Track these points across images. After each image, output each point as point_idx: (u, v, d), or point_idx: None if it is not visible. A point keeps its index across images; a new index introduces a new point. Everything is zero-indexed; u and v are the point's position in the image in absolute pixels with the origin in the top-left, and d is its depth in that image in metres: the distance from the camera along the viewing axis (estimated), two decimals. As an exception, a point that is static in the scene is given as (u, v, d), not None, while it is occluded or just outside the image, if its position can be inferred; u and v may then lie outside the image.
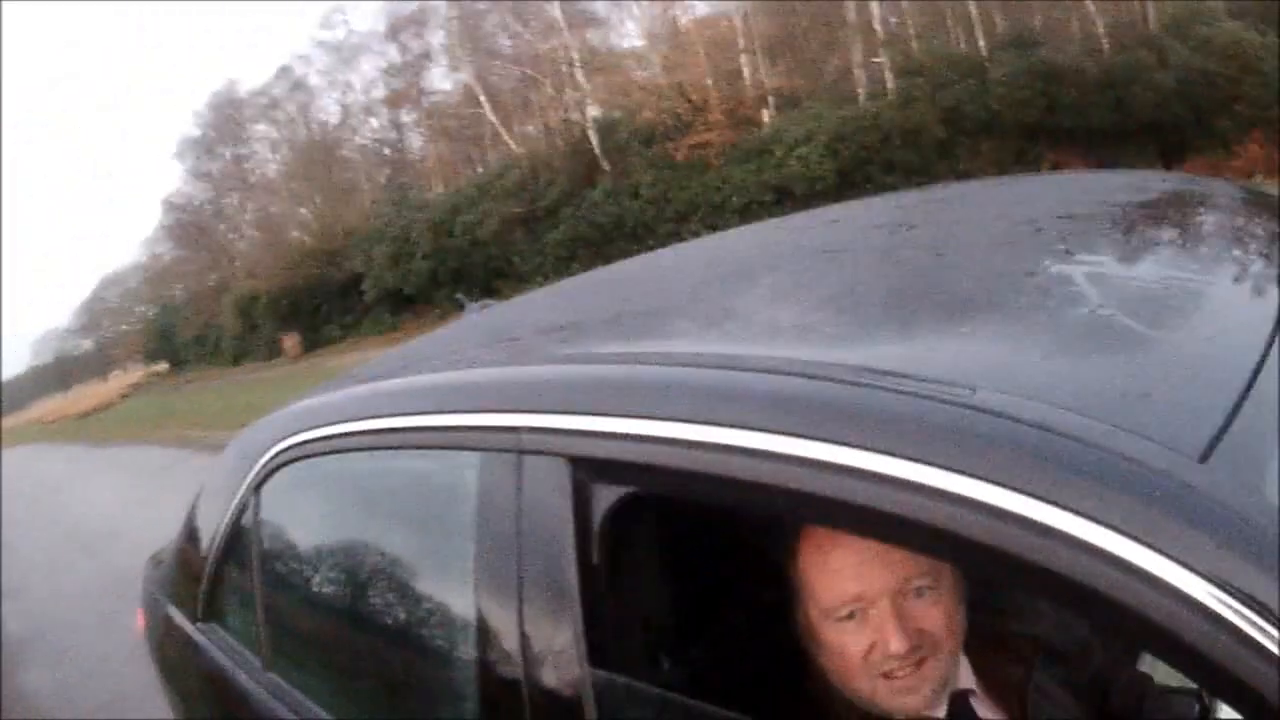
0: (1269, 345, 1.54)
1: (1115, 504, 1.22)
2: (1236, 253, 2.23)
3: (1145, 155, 42.67)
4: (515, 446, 1.87)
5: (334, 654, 2.68)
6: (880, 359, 1.60)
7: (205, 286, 69.60)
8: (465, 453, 2.02)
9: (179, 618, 3.20)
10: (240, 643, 2.86)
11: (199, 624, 3.06)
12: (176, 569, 3.34)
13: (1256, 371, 1.45)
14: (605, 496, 1.74)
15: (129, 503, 17.46)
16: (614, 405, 1.75)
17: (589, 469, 1.76)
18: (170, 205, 71.79)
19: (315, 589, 2.74)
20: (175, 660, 3.29)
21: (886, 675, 1.75)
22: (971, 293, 2.00)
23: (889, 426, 1.40)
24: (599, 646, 1.74)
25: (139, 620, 3.69)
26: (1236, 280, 2.00)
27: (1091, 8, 47.68)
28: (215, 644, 2.96)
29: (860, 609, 1.75)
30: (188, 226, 70.92)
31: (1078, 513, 1.23)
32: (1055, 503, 1.25)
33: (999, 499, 1.28)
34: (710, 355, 1.80)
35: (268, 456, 2.70)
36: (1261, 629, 1.11)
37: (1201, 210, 2.64)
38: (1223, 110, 44.20)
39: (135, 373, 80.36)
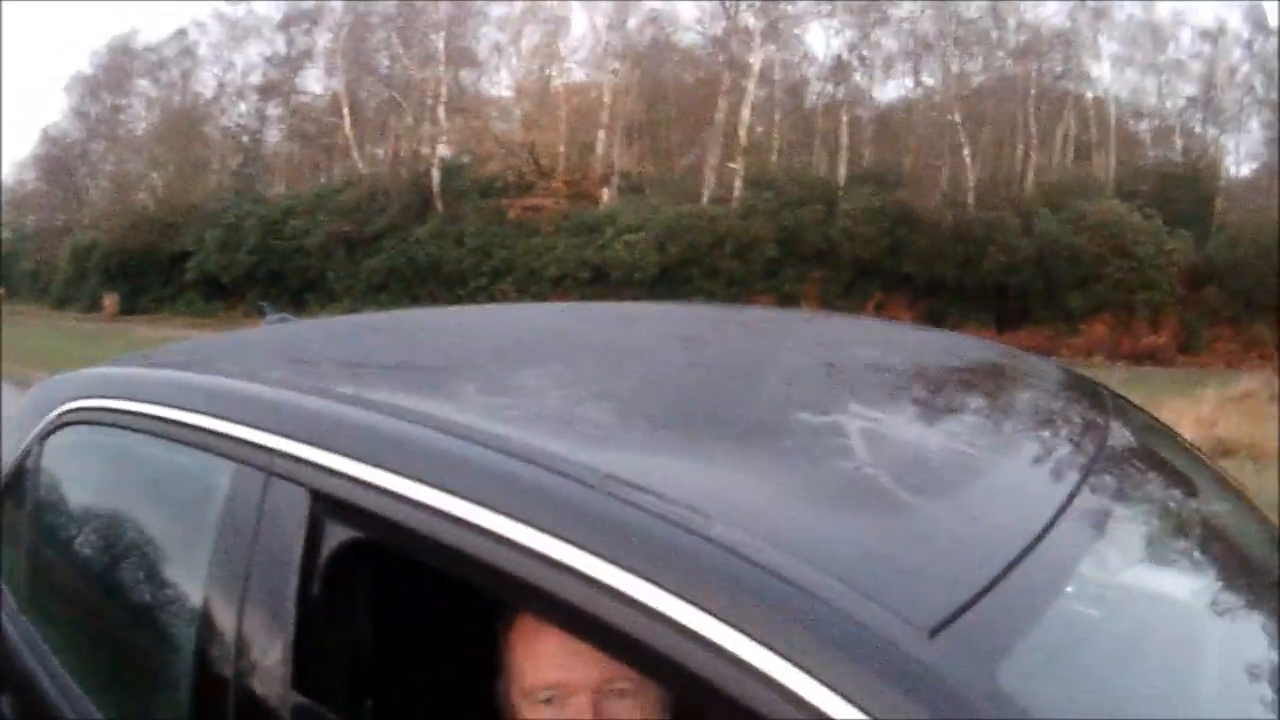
0: (1045, 529, 1.54)
1: (830, 661, 1.20)
2: (1037, 436, 2.18)
3: (982, 317, 43.07)
4: (266, 466, 1.88)
5: (79, 616, 2.66)
6: (627, 467, 1.58)
7: (53, 224, 68.57)
8: (222, 460, 2.02)
9: None
10: (4, 580, 2.84)
11: None
12: None
13: (1020, 556, 1.43)
14: (337, 535, 1.75)
15: None
16: (363, 450, 1.74)
17: (328, 505, 1.76)
18: (46, 136, 70.69)
19: (72, 549, 2.74)
20: None
21: None
22: (743, 423, 1.99)
23: (617, 536, 1.40)
24: (306, 673, 1.74)
25: None
26: (1028, 462, 1.97)
27: (968, 161, 47.83)
28: None
29: (558, 697, 1.74)
30: (55, 160, 69.74)
31: (790, 660, 1.21)
32: (768, 646, 1.23)
33: (712, 630, 1.27)
34: (464, 425, 1.77)
35: (57, 412, 2.70)
36: None
37: (1011, 385, 2.64)
38: (1078, 286, 44.44)
39: (-27, 294, 78.71)
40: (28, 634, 2.64)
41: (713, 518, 1.40)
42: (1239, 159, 57.09)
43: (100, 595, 2.56)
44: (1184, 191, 49.55)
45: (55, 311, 58.33)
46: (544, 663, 1.75)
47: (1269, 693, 1.77)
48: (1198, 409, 19.64)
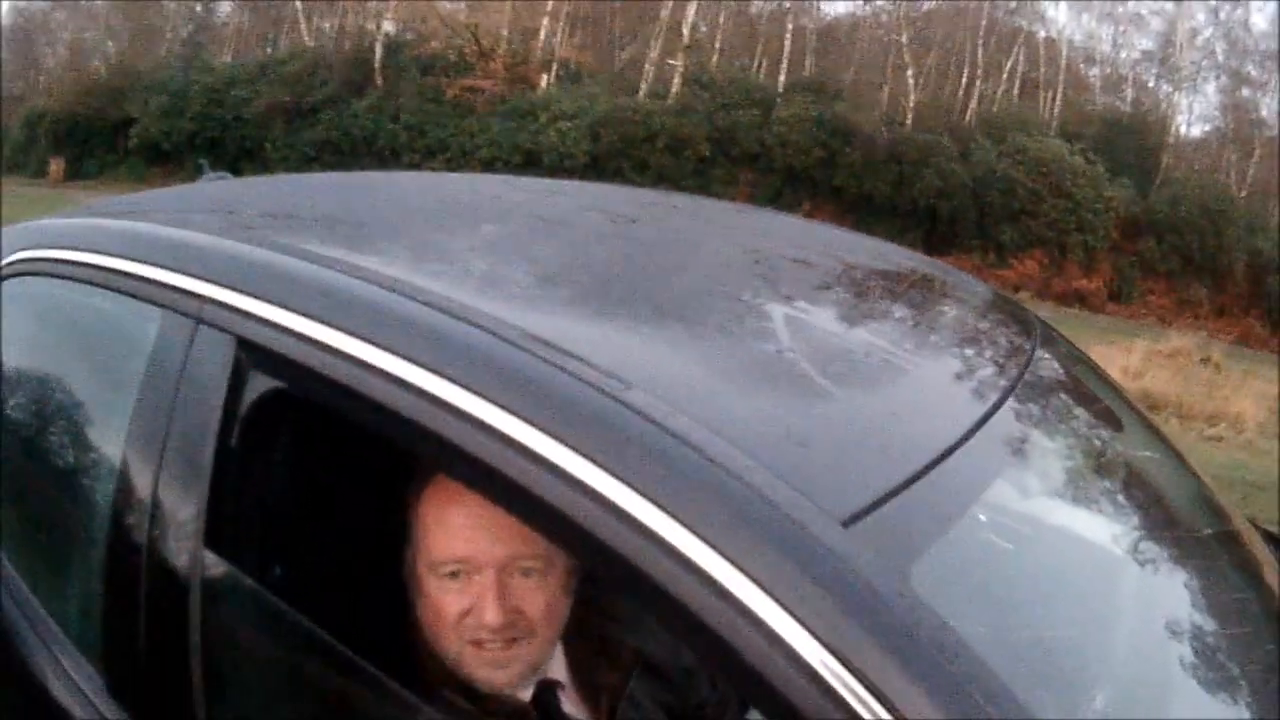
0: (963, 439, 1.53)
1: (739, 539, 1.19)
2: (963, 349, 2.17)
3: (909, 239, 41.50)
4: (196, 314, 1.85)
5: (3, 470, 2.57)
6: (551, 330, 1.57)
7: (11, 93, 68.20)
8: (153, 307, 1.98)
9: None
10: None
11: None
12: None
13: (937, 461, 1.43)
14: (260, 385, 1.73)
15: None
16: (289, 298, 1.72)
17: (253, 353, 1.73)
18: (14, 7, 70.31)
19: (3, 402, 2.63)
20: None
21: (475, 644, 1.73)
22: (668, 298, 1.99)
23: (535, 397, 1.39)
24: (218, 530, 1.72)
25: None
26: (953, 375, 1.98)
27: (910, 81, 48.16)
28: None
29: (464, 571, 1.72)
30: (18, 31, 69.25)
31: (700, 536, 1.20)
32: (679, 519, 1.22)
33: (623, 499, 1.26)
34: (393, 278, 1.75)
35: (1, 264, 2.63)
36: (863, 703, 1.10)
37: (938, 296, 2.58)
38: (1011, 220, 44.79)
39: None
40: None
41: (632, 385, 1.40)
42: (1190, 119, 57.63)
43: (25, 450, 2.51)
44: (1129, 142, 49.95)
45: (5, 177, 58.20)
46: (452, 536, 1.74)
47: (1167, 631, 1.79)
48: (1126, 359, 19.70)
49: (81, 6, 65.60)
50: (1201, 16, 56.48)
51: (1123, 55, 59.35)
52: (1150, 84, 58.72)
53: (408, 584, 1.83)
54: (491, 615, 1.70)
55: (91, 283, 2.27)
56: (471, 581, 1.73)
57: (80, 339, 2.52)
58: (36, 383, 2.58)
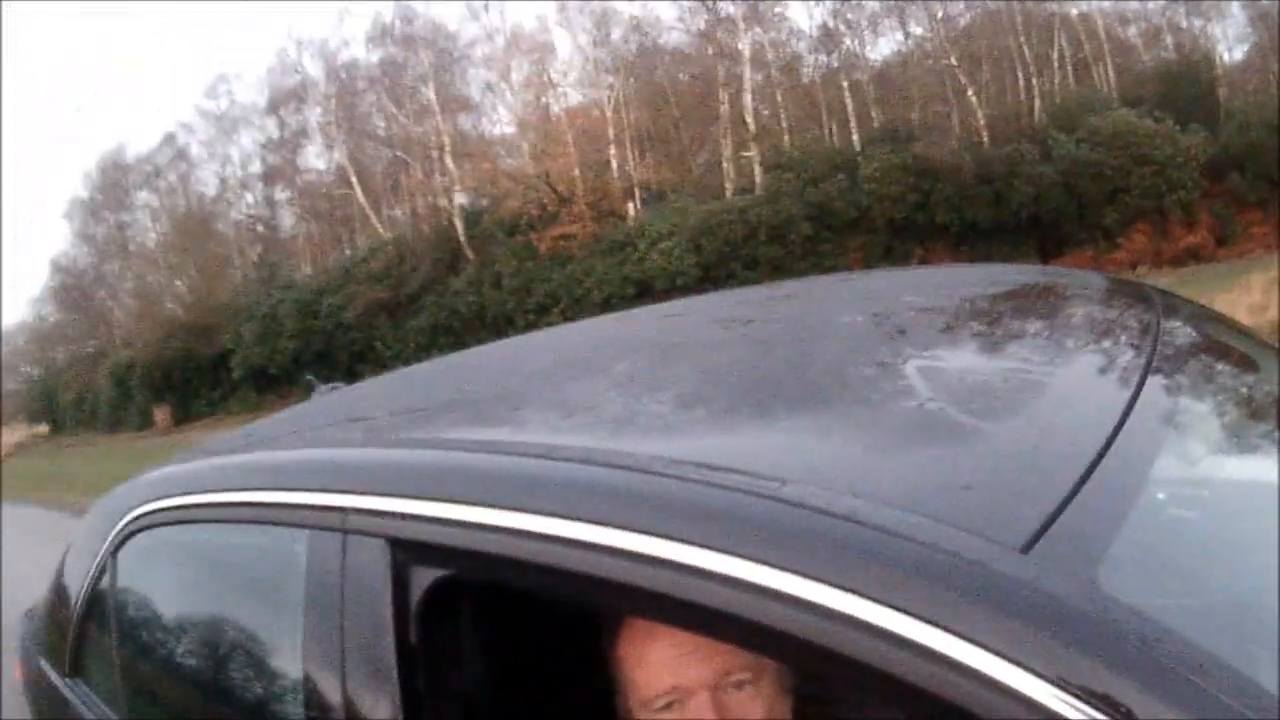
0: (1115, 431, 1.52)
1: (926, 595, 1.18)
2: (1090, 343, 2.18)
3: (1023, 250, 42.81)
4: (341, 526, 1.86)
5: (182, 716, 2.65)
6: (696, 452, 1.58)
7: (84, 352, 69.01)
8: (297, 530, 2.00)
9: (50, 672, 3.15)
10: (103, 700, 2.82)
11: (67, 679, 3.01)
12: (47, 625, 3.31)
13: (1098, 459, 1.42)
14: (424, 579, 1.73)
15: (10, 559, 17.32)
16: (433, 489, 1.73)
17: (409, 551, 1.74)
18: (56, 267, 71.35)
19: (164, 654, 2.73)
20: (48, 713, 3.23)
21: None
22: (799, 387, 2.00)
23: (697, 518, 1.39)
24: None
25: (16, 672, 3.62)
26: (1087, 371, 1.97)
27: (974, 101, 47.88)
28: (81, 699, 2.91)
29: (678, 701, 1.71)
30: (71, 290, 70.33)
31: (890, 605, 1.19)
32: (865, 595, 1.20)
33: (809, 592, 1.24)
34: (527, 444, 1.77)
35: (123, 523, 2.67)
36: (1087, 716, 1.07)
37: (1057, 301, 2.62)
38: (1108, 201, 44.53)
39: (18, 432, 79.34)
40: None
41: (785, 480, 1.39)
42: (1229, 44, 57.12)
43: (202, 694, 2.54)
44: (1186, 87, 49.47)
45: (108, 436, 58.67)
46: (656, 669, 1.73)
47: None
48: (1248, 297, 19.65)
49: (134, 252, 66.35)
50: (1207, -61, 55.75)
51: (1151, 6, 58.76)
52: (1184, 25, 58.19)
53: None
54: None
55: (222, 520, 2.34)
56: (687, 708, 1.71)
57: (226, 576, 2.54)
58: (197, 626, 2.59)
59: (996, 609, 1.14)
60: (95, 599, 2.84)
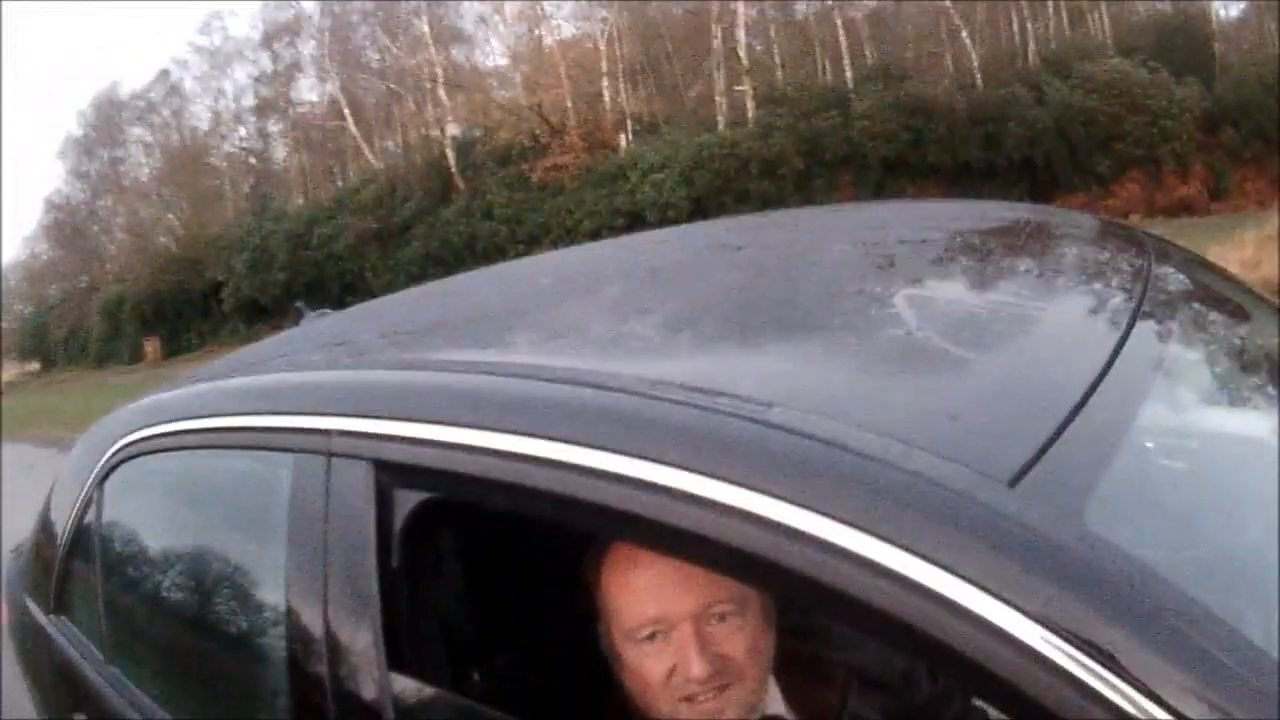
0: (1103, 372, 1.51)
1: (911, 524, 1.17)
2: (1081, 283, 2.18)
3: (1014, 193, 41.89)
4: (325, 449, 1.85)
5: (165, 649, 2.65)
6: (683, 374, 1.56)
7: (77, 287, 68.79)
8: (281, 454, 2.00)
9: (34, 609, 3.17)
10: (86, 635, 2.81)
11: (50, 615, 3.03)
12: (32, 561, 3.33)
13: (1086, 398, 1.41)
14: (407, 501, 1.72)
15: None
16: (417, 410, 1.73)
17: (393, 473, 1.73)
18: (50, 204, 70.84)
19: (149, 585, 2.72)
20: (31, 650, 3.25)
21: (688, 699, 1.69)
22: (791, 314, 1.99)
23: (681, 440, 1.37)
24: (399, 651, 1.70)
25: (3, 612, 3.63)
26: (1077, 310, 1.96)
27: (968, 43, 47.58)
28: (64, 635, 2.92)
29: (661, 631, 1.69)
30: (64, 226, 69.91)
31: (873, 534, 1.18)
32: (852, 524, 1.20)
33: (792, 517, 1.23)
34: (512, 364, 1.77)
35: (109, 453, 2.68)
36: (1072, 658, 1.07)
37: (1053, 239, 2.61)
38: (1101, 149, 44.38)
39: (10, 370, 79.18)
40: (119, 683, 2.61)
41: (772, 403, 1.38)
42: (1225, 0, 56.98)
43: (185, 623, 2.54)
44: (1181, 40, 49.22)
45: (98, 371, 58.49)
46: (640, 598, 1.70)
47: None
48: (1240, 252, 19.51)
49: (127, 187, 66.03)
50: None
51: (1147, -46, 58.36)
52: (1182, -24, 57.93)
53: (607, 658, 1.80)
54: (697, 668, 1.66)
55: (208, 446, 2.32)
56: (670, 639, 1.69)
57: (211, 503, 2.53)
58: (182, 555, 2.59)
59: (982, 541, 1.14)
60: (81, 533, 2.87)
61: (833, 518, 1.20)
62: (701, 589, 1.65)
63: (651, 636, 1.70)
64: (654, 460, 1.37)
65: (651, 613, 1.69)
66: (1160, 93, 44.13)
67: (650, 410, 1.46)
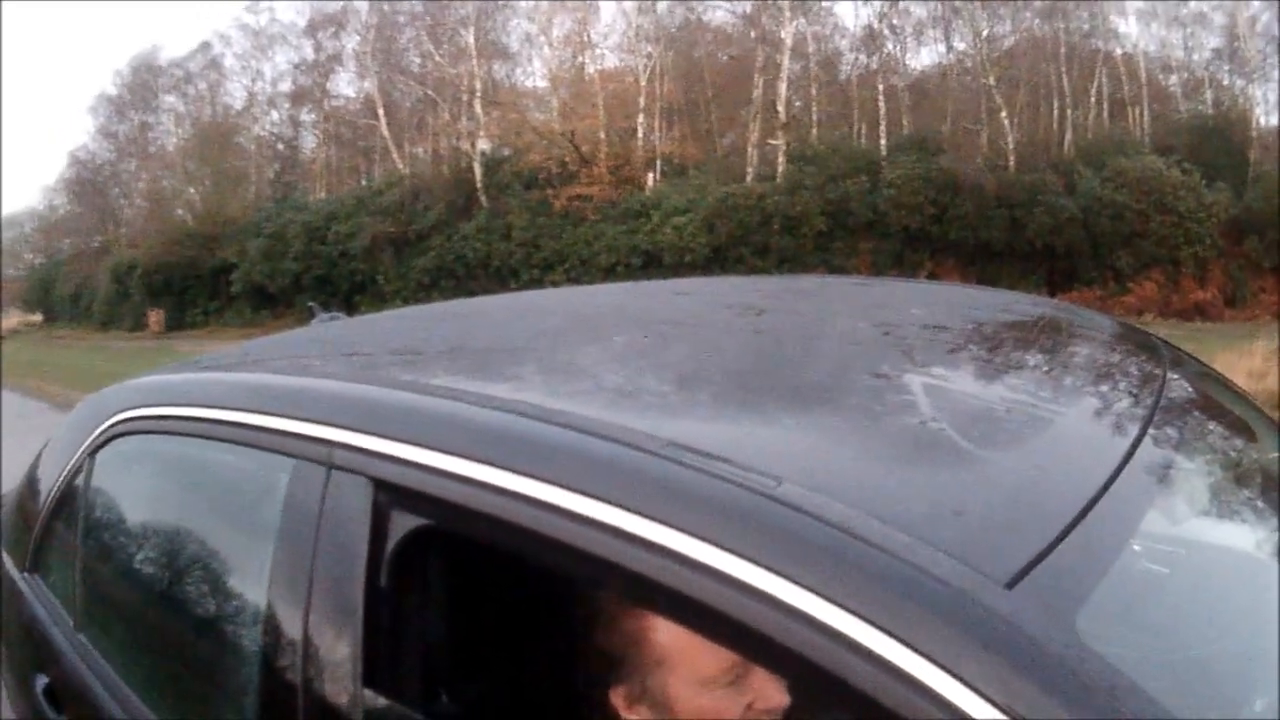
0: (1111, 478, 1.52)
1: (909, 617, 1.19)
2: (1096, 386, 2.20)
3: (1032, 279, 42.73)
4: (326, 460, 1.86)
5: (137, 626, 2.64)
6: (695, 436, 1.57)
7: (89, 246, 68.92)
8: (281, 456, 2.00)
9: (9, 564, 3.18)
10: (58, 599, 2.84)
11: (25, 573, 3.04)
12: (13, 516, 3.32)
13: (1092, 503, 1.42)
14: (403, 524, 1.73)
15: None
16: (423, 435, 1.73)
17: (391, 494, 1.74)
18: (74, 159, 71.09)
19: (129, 561, 2.72)
20: (1, 604, 3.22)
21: None
22: (806, 386, 2.00)
23: (689, 505, 1.38)
24: (376, 668, 1.72)
25: None
26: (1090, 413, 1.98)
27: (1006, 123, 47.44)
28: (37, 596, 2.94)
29: (744, 672, 1.70)
30: (85, 183, 70.11)
31: (869, 621, 1.20)
32: (847, 608, 1.22)
33: (792, 597, 1.25)
34: (526, 404, 1.76)
35: (107, 424, 2.69)
36: None
37: (1068, 339, 2.62)
38: (1124, 244, 44.28)
39: (13, 318, 79.31)
40: (86, 652, 2.62)
41: (781, 479, 1.39)
42: (1267, 109, 56.90)
43: (161, 606, 2.54)
44: (1218, 144, 49.28)
45: (99, 333, 58.67)
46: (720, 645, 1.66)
47: None
48: (1249, 362, 19.66)
49: (153, 154, 66.08)
50: (1256, 3, 55.65)
51: (1195, 58, 58.52)
52: (1225, 81, 58.04)
53: (634, 706, 1.79)
54: (781, 696, 1.68)
55: (207, 436, 2.31)
56: (749, 675, 1.69)
57: (202, 492, 2.53)
58: (166, 537, 2.59)
59: (976, 642, 1.15)
60: (67, 496, 2.87)
61: (832, 601, 1.23)
62: None
63: (734, 680, 1.71)
64: (658, 520, 1.38)
65: (735, 656, 1.67)
66: (1190, 195, 44.04)
67: (659, 470, 1.47)
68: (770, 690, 1.69)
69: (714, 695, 1.71)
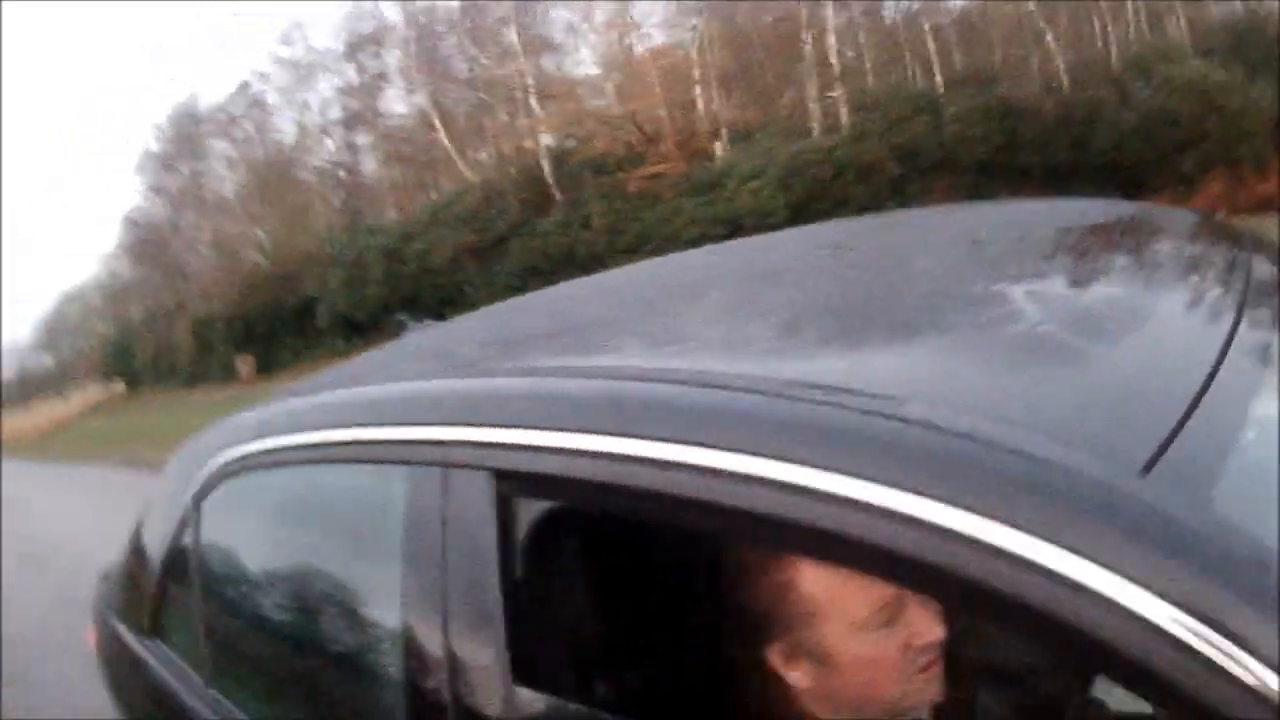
0: (1218, 361, 1.54)
1: (1050, 516, 1.19)
2: (1188, 275, 2.22)
3: (1104, 193, 40.85)
4: (441, 460, 1.83)
5: (271, 671, 2.65)
6: (810, 374, 1.57)
7: (162, 306, 68.83)
8: (395, 466, 1.98)
9: (126, 634, 3.14)
10: (184, 659, 2.80)
11: (145, 640, 3.00)
12: (124, 585, 3.30)
13: (1205, 386, 1.44)
14: (529, 511, 1.73)
15: (86, 520, 17.42)
16: (537, 418, 1.71)
17: (513, 483, 1.72)
18: (130, 222, 71.28)
19: (253, 605, 2.72)
20: (124, 676, 3.24)
21: (923, 670, 1.71)
22: (908, 311, 2.00)
23: (815, 439, 1.38)
24: (525, 664, 1.69)
25: (90, 637, 3.61)
26: (1185, 303, 1.98)
27: (1052, 46, 47.62)
28: (160, 660, 2.89)
29: (894, 611, 1.68)
30: (146, 244, 70.09)
31: (1013, 525, 1.20)
32: (987, 515, 1.22)
33: (929, 512, 1.26)
34: (634, 368, 1.77)
35: (207, 471, 2.66)
36: (1212, 644, 1.09)
37: (1154, 234, 2.63)
38: (1185, 149, 43.84)
39: (94, 391, 79.29)
40: (220, 706, 2.62)
41: (904, 399, 1.40)
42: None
43: (291, 645, 2.53)
44: (1252, 41, 48.99)
45: (189, 390, 58.62)
46: (869, 583, 1.65)
47: None
48: None
49: (210, 202, 66.01)
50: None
51: (1219, -44, 58.24)
52: (1251, -23, 57.80)
53: (792, 667, 1.75)
54: (939, 629, 1.68)
55: (313, 461, 2.29)
56: (901, 615, 1.67)
57: (317, 520, 2.50)
58: (287, 574, 2.58)
59: (1120, 529, 1.16)
60: (177, 553, 2.85)
61: (973, 511, 1.24)
62: None
63: (888, 620, 1.68)
64: (790, 460, 1.37)
65: (889, 590, 1.65)
66: (1237, 93, 43.79)
67: (783, 410, 1.46)
68: (925, 625, 1.68)
69: (871, 639, 1.68)
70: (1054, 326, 1.72)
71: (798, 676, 1.75)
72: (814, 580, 1.68)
